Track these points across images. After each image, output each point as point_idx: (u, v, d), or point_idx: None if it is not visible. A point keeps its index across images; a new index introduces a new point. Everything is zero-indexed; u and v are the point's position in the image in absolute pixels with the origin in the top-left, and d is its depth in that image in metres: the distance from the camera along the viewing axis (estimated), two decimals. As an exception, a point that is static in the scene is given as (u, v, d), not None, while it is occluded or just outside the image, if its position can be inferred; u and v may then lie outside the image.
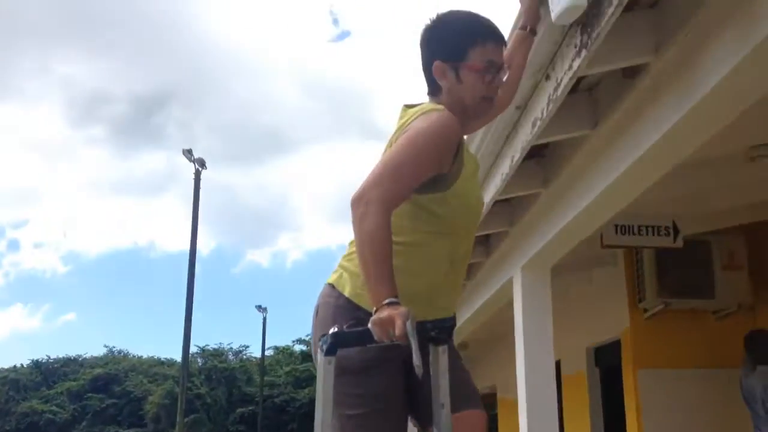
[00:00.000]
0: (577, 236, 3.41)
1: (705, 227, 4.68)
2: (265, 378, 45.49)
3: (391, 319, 1.56)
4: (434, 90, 1.92)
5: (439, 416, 1.68)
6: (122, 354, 62.97)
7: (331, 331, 1.65)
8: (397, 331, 1.53)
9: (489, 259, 4.36)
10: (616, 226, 4.32)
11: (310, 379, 30.28)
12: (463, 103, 1.89)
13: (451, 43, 1.88)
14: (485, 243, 4.38)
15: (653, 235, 4.36)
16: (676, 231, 4.36)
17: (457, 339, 6.17)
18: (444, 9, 1.97)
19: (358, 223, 1.69)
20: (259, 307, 39.57)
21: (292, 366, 52.97)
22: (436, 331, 1.63)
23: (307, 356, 32.29)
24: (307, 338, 33.07)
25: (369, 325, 1.59)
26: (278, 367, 54.49)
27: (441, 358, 1.67)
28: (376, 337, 1.58)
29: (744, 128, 2.83)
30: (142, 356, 61.27)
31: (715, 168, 3.76)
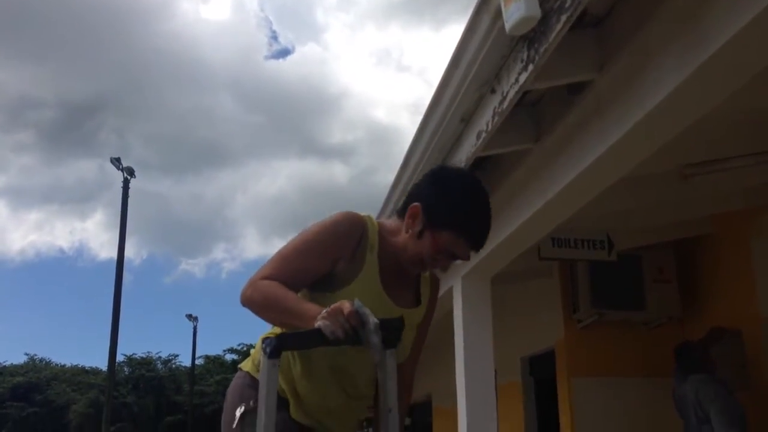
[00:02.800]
0: (517, 248, 3.45)
1: (637, 242, 4.81)
2: (195, 387, 44.56)
3: (338, 306, 1.56)
4: (403, 212, 1.90)
5: (386, 421, 1.66)
6: (44, 362, 60.65)
7: (238, 410, 1.80)
8: (346, 310, 1.54)
9: (429, 270, 4.37)
10: (553, 239, 4.40)
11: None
12: (405, 251, 1.87)
13: (440, 212, 1.83)
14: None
15: (589, 248, 4.46)
16: (611, 245, 4.47)
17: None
18: (468, 179, 1.90)
19: (251, 301, 1.74)
20: (189, 316, 38.86)
21: (223, 375, 52.06)
22: (385, 332, 1.60)
23: (237, 366, 31.71)
24: (239, 347, 32.60)
25: (317, 323, 1.58)
26: (209, 376, 53.50)
27: (389, 360, 1.64)
28: (328, 332, 1.55)
29: (678, 146, 2.92)
30: (65, 365, 59.18)
31: (648, 185, 3.87)
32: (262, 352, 1.61)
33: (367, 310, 1.56)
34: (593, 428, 5.10)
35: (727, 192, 4.19)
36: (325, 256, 1.79)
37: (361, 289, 1.80)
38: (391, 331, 1.63)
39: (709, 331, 4.64)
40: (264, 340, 1.62)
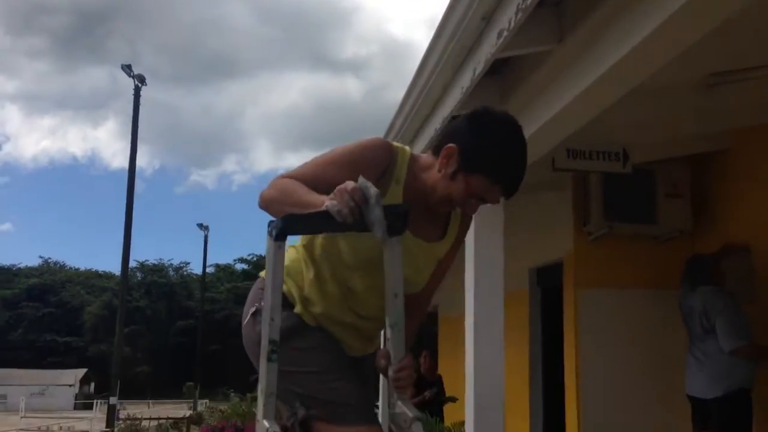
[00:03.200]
0: (533, 155, 3.40)
1: (653, 156, 4.77)
2: (206, 294, 45.69)
3: (343, 184, 1.57)
4: (438, 150, 1.85)
5: (391, 307, 1.69)
6: (58, 265, 61.95)
7: (251, 309, 1.86)
8: (350, 187, 1.55)
9: (442, 176, 4.36)
10: (568, 150, 4.36)
11: (252, 296, 30.42)
12: (435, 190, 1.83)
13: (477, 155, 1.78)
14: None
15: (603, 160, 4.42)
16: (626, 157, 4.43)
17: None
18: (510, 124, 1.84)
19: (265, 198, 1.75)
20: (200, 225, 39.35)
21: (233, 283, 53.16)
22: (391, 218, 1.60)
23: (248, 275, 32.31)
24: (249, 257, 33.11)
25: (325, 204, 1.58)
26: (219, 284, 54.64)
27: (395, 247, 1.65)
28: (334, 211, 1.55)
29: (703, 55, 2.85)
30: (79, 268, 60.45)
31: (669, 95, 3.79)
32: (267, 235, 1.61)
33: (371, 187, 1.55)
34: (596, 338, 5.20)
35: (748, 104, 4.11)
36: (346, 171, 1.74)
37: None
38: (396, 217, 1.62)
39: (722, 246, 4.66)
40: (270, 222, 1.62)
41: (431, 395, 7.41)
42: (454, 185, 1.79)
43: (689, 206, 4.99)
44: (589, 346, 5.19)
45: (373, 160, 1.81)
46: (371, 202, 1.55)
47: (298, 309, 1.89)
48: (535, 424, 6.15)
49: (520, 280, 6.54)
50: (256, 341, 1.74)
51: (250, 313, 1.92)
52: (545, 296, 6.25)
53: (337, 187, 1.58)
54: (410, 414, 1.71)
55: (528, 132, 3.09)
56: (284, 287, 1.77)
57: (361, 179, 1.58)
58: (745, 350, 4.17)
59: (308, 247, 1.92)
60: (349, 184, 1.57)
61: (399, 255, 1.69)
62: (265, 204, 1.76)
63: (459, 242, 2.04)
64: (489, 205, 1.90)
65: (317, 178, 1.76)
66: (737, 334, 4.18)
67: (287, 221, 1.59)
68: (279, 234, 1.59)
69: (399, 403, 1.75)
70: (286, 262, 1.79)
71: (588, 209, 5.15)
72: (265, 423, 1.61)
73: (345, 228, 1.59)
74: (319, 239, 1.89)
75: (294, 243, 1.99)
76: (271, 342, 1.62)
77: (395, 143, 1.87)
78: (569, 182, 5.47)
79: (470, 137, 1.79)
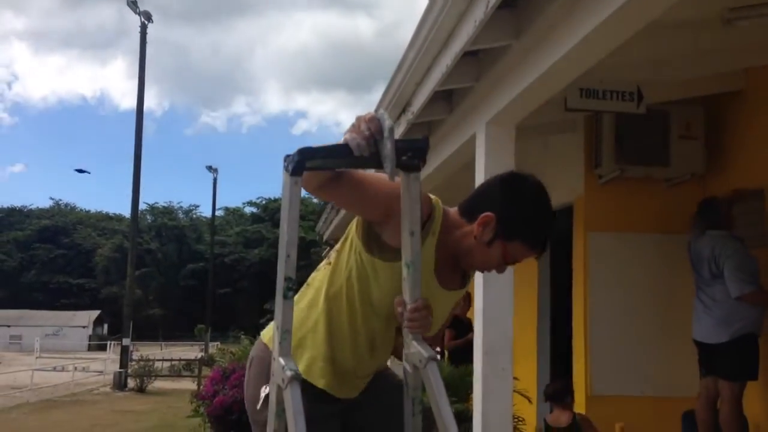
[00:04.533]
0: (546, 93, 3.34)
1: (667, 96, 4.67)
2: (216, 237, 45.99)
3: (363, 115, 1.54)
4: (470, 216, 1.86)
5: (408, 245, 1.66)
6: (69, 207, 62.33)
7: (263, 390, 1.82)
8: (368, 116, 1.52)
9: (452, 116, 4.28)
10: (581, 89, 4.26)
11: (260, 240, 30.63)
12: (470, 254, 1.86)
13: (516, 225, 1.82)
14: (448, 99, 4.28)
15: (617, 100, 4.32)
16: (640, 97, 4.33)
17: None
18: (539, 189, 1.87)
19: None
20: (209, 168, 39.29)
21: (243, 227, 53.45)
22: (409, 154, 1.56)
23: (257, 218, 32.41)
24: (258, 200, 33.10)
25: (343, 137, 1.54)
26: (228, 228, 54.94)
27: (413, 185, 1.62)
28: (353, 144, 1.52)
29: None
30: (90, 210, 60.85)
31: (686, 32, 3.68)
32: (284, 170, 1.57)
33: (387, 119, 1.51)
34: (605, 281, 5.20)
35: (764, 42, 4.00)
36: (386, 198, 1.74)
37: (394, 278, 1.82)
38: (415, 152, 1.58)
39: (734, 190, 4.60)
40: (286, 157, 1.58)
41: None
42: (492, 252, 1.84)
43: (703, 148, 4.91)
44: (598, 290, 5.19)
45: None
46: (385, 134, 1.51)
47: (321, 373, 1.94)
48: (542, 367, 6.21)
49: (529, 224, 6.51)
50: (263, 423, 1.78)
51: (263, 397, 1.89)
52: (555, 241, 6.22)
53: (356, 117, 1.56)
54: (425, 354, 1.70)
55: (543, 68, 3.02)
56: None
57: (381, 110, 1.55)
58: (753, 296, 4.15)
59: (336, 294, 1.93)
60: (368, 114, 1.55)
61: (417, 192, 1.65)
62: (306, 180, 1.69)
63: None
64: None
65: (362, 181, 1.79)
66: (746, 280, 4.16)
67: (304, 153, 1.54)
68: (296, 168, 1.55)
69: (414, 342, 1.74)
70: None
71: (599, 151, 5.07)
72: (281, 361, 1.60)
73: (362, 163, 1.56)
74: (355, 285, 1.89)
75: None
76: (287, 279, 1.60)
77: (432, 197, 1.87)
78: (581, 124, 5.39)
79: (507, 205, 1.83)
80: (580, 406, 5.19)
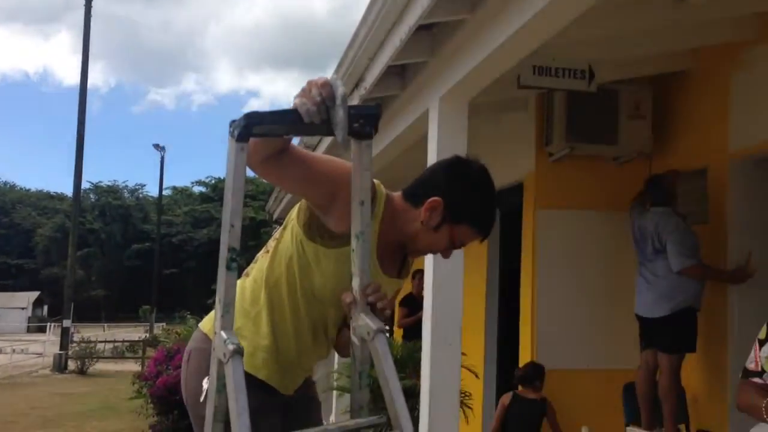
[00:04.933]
0: (499, 68, 3.33)
1: (618, 75, 4.72)
2: (163, 217, 45.10)
3: (314, 79, 1.49)
4: (415, 201, 1.85)
5: (357, 215, 1.62)
6: (8, 186, 60.32)
7: (205, 381, 1.70)
8: (321, 81, 1.47)
9: (405, 92, 4.24)
10: (534, 67, 4.28)
11: (209, 220, 30.16)
12: (416, 240, 1.86)
13: (464, 209, 1.84)
14: (401, 74, 4.24)
15: (569, 77, 4.35)
16: (592, 75, 4.37)
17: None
18: (485, 174, 1.91)
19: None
20: (156, 146, 38.40)
21: (191, 206, 52.59)
22: (361, 122, 1.52)
23: (206, 198, 31.89)
24: (207, 180, 32.55)
25: (293, 102, 1.49)
26: (176, 207, 53.98)
27: (365, 153, 1.57)
28: (303, 110, 1.45)
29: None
30: (30, 189, 58.97)
31: (636, 9, 3.72)
32: (229, 136, 1.51)
33: (341, 85, 1.46)
34: (554, 257, 5.27)
35: (716, 21, 4.08)
36: (334, 179, 1.74)
37: (337, 263, 1.80)
38: (367, 119, 1.54)
39: (676, 169, 4.70)
40: (232, 122, 1.50)
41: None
42: (439, 236, 1.85)
43: (650, 128, 5.00)
44: (546, 266, 5.26)
45: None
46: (337, 102, 1.45)
47: (263, 364, 1.91)
48: (490, 342, 6.28)
49: (480, 202, 6.54)
50: (203, 416, 1.71)
51: (206, 390, 1.81)
52: (505, 218, 6.27)
53: (307, 81, 1.50)
54: (373, 326, 1.65)
55: (497, 41, 3.00)
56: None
57: (333, 75, 1.49)
58: (693, 270, 4.26)
59: (276, 283, 1.90)
60: (320, 79, 1.49)
61: (368, 160, 1.61)
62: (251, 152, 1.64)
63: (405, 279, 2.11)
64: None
65: (307, 156, 1.77)
66: (686, 255, 4.27)
67: (250, 118, 1.47)
68: (242, 134, 1.47)
69: (362, 315, 1.69)
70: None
71: (550, 129, 5.12)
72: (223, 334, 1.54)
73: (312, 130, 1.51)
74: (296, 275, 1.86)
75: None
76: (231, 250, 1.54)
77: (375, 181, 1.84)
78: (533, 102, 5.43)
79: (454, 189, 1.84)
80: (527, 381, 5.27)
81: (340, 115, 1.45)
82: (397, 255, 1.95)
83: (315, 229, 1.80)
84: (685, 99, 4.93)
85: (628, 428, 3.79)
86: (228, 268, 1.53)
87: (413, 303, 7.19)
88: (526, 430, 4.81)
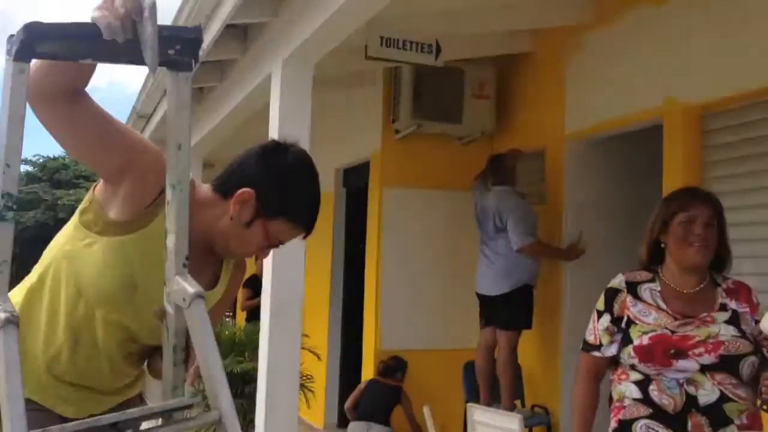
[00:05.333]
0: (343, 30, 3.14)
1: (464, 53, 4.72)
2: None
3: None
4: (225, 193, 1.56)
5: (173, 160, 1.34)
6: None
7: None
8: None
9: (246, 56, 3.98)
10: (382, 38, 4.16)
11: (36, 202, 27.84)
12: (225, 239, 1.57)
13: (278, 201, 1.56)
14: (242, 37, 3.97)
15: (416, 51, 4.28)
16: (438, 50, 4.33)
17: (200, 154, 5.79)
18: (304, 161, 1.63)
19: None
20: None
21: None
22: (178, 48, 1.24)
23: (33, 178, 29.38)
24: (34, 158, 29.98)
25: (90, 16, 1.18)
26: None
27: (183, 87, 1.29)
28: (103, 24, 1.14)
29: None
30: None
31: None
32: (5, 55, 1.18)
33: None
34: (399, 237, 5.21)
35: (555, 3, 4.17)
36: (130, 145, 1.46)
37: (143, 245, 1.49)
38: (186, 45, 1.25)
39: (516, 148, 4.78)
40: (10, 37, 1.16)
41: None
42: (251, 234, 1.58)
43: (493, 108, 5.06)
44: (391, 246, 5.20)
45: (157, 169, 1.43)
46: (145, 13, 1.16)
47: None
48: (334, 323, 6.15)
49: (326, 181, 6.35)
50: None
51: None
52: (352, 196, 6.17)
53: None
54: (190, 290, 1.37)
55: (338, 4, 2.82)
56: None
57: None
58: (531, 248, 4.35)
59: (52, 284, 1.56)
60: None
61: (187, 96, 1.31)
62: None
63: (230, 292, 1.76)
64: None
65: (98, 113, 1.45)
66: (526, 233, 4.35)
67: (32, 31, 1.14)
68: (21, 51, 1.15)
69: (177, 278, 1.41)
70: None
71: (397, 106, 5.05)
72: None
73: (115, 54, 1.20)
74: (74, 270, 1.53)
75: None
76: (5, 195, 1.23)
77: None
78: (380, 78, 5.33)
79: (267, 180, 1.57)
80: (368, 362, 5.19)
81: (148, 31, 1.16)
82: (208, 259, 1.64)
83: (99, 218, 1.51)
84: (526, 81, 5.02)
85: (468, 405, 3.79)
86: (2, 218, 1.22)
87: (257, 284, 6.90)
88: (377, 411, 4.73)
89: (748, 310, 2.00)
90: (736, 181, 3.41)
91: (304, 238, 1.66)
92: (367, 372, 5.19)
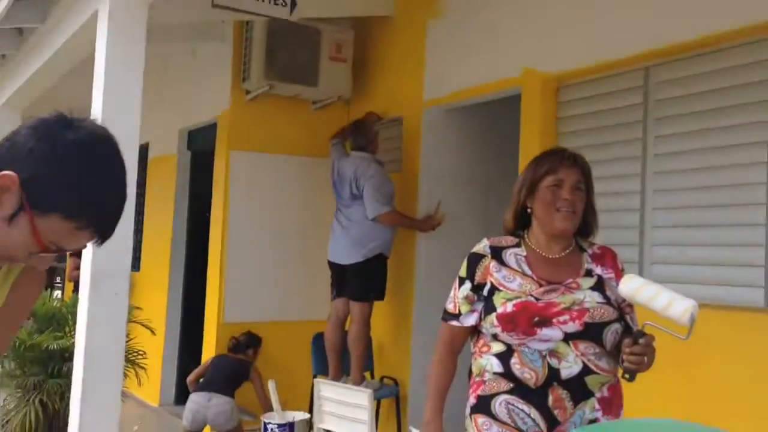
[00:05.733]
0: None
1: (321, 11, 4.46)
2: None
3: None
4: None
5: None
6: None
7: None
8: None
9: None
10: (231, -16, 3.82)
11: None
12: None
13: (52, 190, 1.16)
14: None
15: (269, 3, 3.98)
16: (294, 4, 4.05)
17: (18, 106, 5.13)
18: (98, 133, 1.20)
19: None
20: None
21: None
22: None
23: None
24: None
25: None
26: None
27: None
28: None
29: None
30: None
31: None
32: None
33: None
34: (247, 204, 4.90)
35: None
36: None
37: None
38: None
39: (373, 114, 4.60)
40: None
41: None
42: (15, 232, 1.18)
43: (350, 72, 4.83)
44: (238, 213, 4.87)
45: None
46: None
47: None
48: (174, 296, 5.72)
49: (169, 143, 5.92)
50: None
51: None
52: (198, 160, 5.74)
53: None
54: None
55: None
56: None
57: None
58: (387, 217, 4.20)
59: None
60: None
61: None
62: None
63: (20, 301, 1.40)
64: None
65: None
66: (382, 201, 4.19)
67: None
68: None
69: None
70: None
71: (249, 64, 4.69)
72: None
73: None
74: None
75: None
76: None
77: None
78: (230, 33, 4.95)
79: (39, 162, 1.17)
80: (210, 336, 4.86)
81: None
82: None
83: None
84: (385, 45, 4.84)
85: (315, 380, 3.58)
86: None
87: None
88: (221, 384, 4.39)
89: (613, 275, 1.92)
90: (590, 153, 3.39)
91: (99, 244, 1.24)
92: (209, 347, 4.86)
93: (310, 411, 3.73)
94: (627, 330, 1.87)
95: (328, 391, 3.45)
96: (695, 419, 2.76)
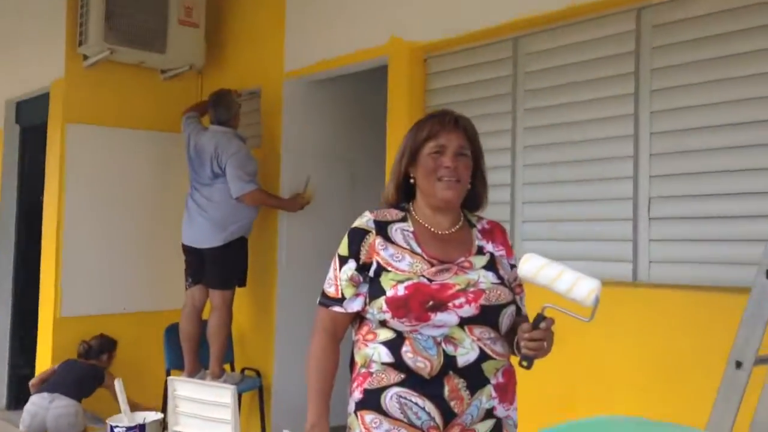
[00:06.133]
0: None
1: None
2: None
3: None
4: None
5: None
6: None
7: None
8: None
9: None
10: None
11: None
12: None
13: None
14: None
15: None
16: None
17: None
18: None
19: None
20: None
21: None
22: None
23: None
24: None
25: None
26: None
27: None
28: None
29: None
30: None
31: None
32: None
33: None
34: (86, 184, 4.39)
35: None
36: None
37: None
38: None
39: (225, 91, 4.23)
40: None
41: None
42: None
43: (203, 38, 4.44)
44: (77, 194, 4.36)
45: None
46: None
47: None
48: (2, 290, 5.07)
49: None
50: None
51: None
52: (27, 135, 5.11)
53: None
54: None
55: None
56: None
57: None
58: (253, 196, 3.90)
59: None
60: None
61: None
62: None
63: None
64: None
65: None
66: (246, 179, 3.88)
67: None
68: None
69: None
70: None
71: (86, 26, 4.18)
72: None
73: None
74: None
75: None
76: None
77: None
78: (63, -9, 4.39)
79: None
80: (46, 331, 4.34)
81: None
82: None
83: None
84: (241, 10, 4.49)
85: (168, 378, 3.22)
86: None
87: None
88: (69, 386, 3.89)
89: (504, 252, 1.75)
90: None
91: None
92: (45, 345, 4.33)
93: (164, 411, 3.37)
94: (519, 312, 1.72)
95: (183, 389, 3.10)
96: (572, 397, 2.73)
